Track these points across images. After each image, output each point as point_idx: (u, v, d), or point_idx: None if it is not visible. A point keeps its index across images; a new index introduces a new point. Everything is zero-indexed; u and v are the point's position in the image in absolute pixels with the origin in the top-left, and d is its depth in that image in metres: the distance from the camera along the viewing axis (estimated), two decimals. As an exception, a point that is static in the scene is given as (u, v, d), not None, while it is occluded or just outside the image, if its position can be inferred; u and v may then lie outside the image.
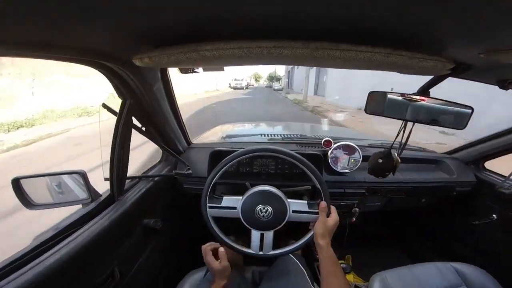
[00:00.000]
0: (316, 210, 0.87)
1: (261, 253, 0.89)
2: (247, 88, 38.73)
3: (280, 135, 1.64)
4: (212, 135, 1.92)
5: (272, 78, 65.09)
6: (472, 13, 0.34)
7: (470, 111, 0.76)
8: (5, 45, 0.44)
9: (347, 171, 1.26)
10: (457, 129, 0.78)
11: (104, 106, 0.85)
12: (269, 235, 0.88)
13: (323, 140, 1.28)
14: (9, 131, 6.85)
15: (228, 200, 0.91)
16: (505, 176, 1.27)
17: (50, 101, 8.78)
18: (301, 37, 0.45)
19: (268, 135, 1.67)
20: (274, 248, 0.90)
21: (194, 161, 1.30)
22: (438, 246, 1.69)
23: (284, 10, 0.37)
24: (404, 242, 1.94)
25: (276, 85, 41.40)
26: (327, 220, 0.82)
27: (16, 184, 0.80)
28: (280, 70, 67.10)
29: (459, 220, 1.53)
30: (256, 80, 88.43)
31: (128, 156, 0.92)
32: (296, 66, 34.10)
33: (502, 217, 1.27)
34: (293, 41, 0.45)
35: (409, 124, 0.84)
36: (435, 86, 0.77)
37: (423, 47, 0.47)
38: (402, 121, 0.84)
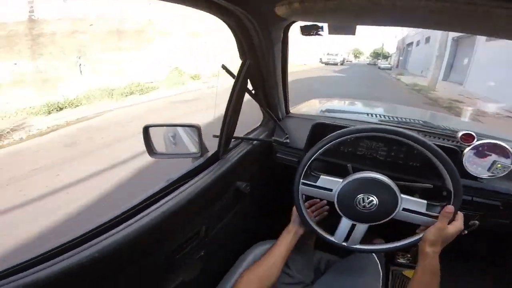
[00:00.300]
0: (435, 214, 0.72)
1: (344, 244, 0.81)
2: (342, 64, 33.00)
3: (395, 117, 1.40)
4: (309, 107, 1.82)
5: (378, 54, 56.63)
6: None
7: None
8: None
9: (485, 176, 0.98)
10: None
11: (224, 67, 0.86)
12: (362, 228, 0.79)
13: (460, 133, 1.00)
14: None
15: (325, 180, 0.82)
16: None
17: (101, 80, 8.90)
18: None
19: (377, 116, 1.45)
20: (361, 242, 0.81)
21: (292, 130, 1.25)
22: None
23: None
24: (503, 265, 1.51)
25: (383, 63, 34.21)
26: (446, 227, 0.69)
27: (146, 131, 0.90)
28: (388, 47, 58.35)
29: None
30: (356, 56, 78.06)
31: (238, 118, 0.93)
32: (415, 43, 28.68)
33: None
34: None
35: None
36: None
37: None
38: None
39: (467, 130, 0.99)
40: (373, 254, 0.93)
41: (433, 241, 0.69)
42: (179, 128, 1.05)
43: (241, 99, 0.88)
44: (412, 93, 10.58)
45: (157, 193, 0.73)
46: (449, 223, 0.70)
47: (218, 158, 0.94)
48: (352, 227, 0.80)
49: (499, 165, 0.95)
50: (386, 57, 54.03)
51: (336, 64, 31.02)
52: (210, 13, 0.66)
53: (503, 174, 0.96)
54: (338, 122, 1.11)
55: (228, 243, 1.13)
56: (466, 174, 1.00)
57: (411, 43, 31.27)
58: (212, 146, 0.97)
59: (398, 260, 1.35)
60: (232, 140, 1.06)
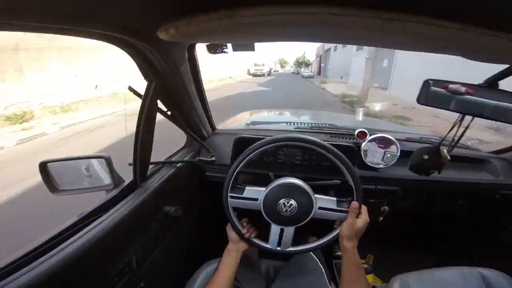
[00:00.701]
0: (346, 209, 0.80)
1: (278, 249, 0.86)
2: (269, 75, 34.08)
3: (309, 124, 1.55)
4: (237, 122, 1.87)
5: (300, 63, 58.42)
6: None
7: None
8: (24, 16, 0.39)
9: (381, 166, 1.16)
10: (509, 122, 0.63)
11: (130, 89, 0.82)
12: (289, 230, 0.84)
13: (356, 131, 1.17)
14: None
15: (250, 191, 0.86)
16: None
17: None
18: (369, 4, 0.36)
19: (295, 124, 1.58)
20: (293, 244, 0.86)
21: (218, 148, 1.26)
22: (467, 250, 1.58)
23: None
24: (431, 245, 1.82)
25: (306, 72, 36.10)
26: (356, 222, 0.77)
27: (43, 168, 0.80)
28: (309, 54, 60.54)
29: (496, 225, 1.41)
30: (282, 66, 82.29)
31: (152, 141, 0.89)
32: (332, 48, 30.40)
33: None
34: (358, 9, 0.35)
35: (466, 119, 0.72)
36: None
37: None
38: (459, 115, 0.73)
39: (361, 128, 1.17)
40: (310, 253, 0.99)
41: (348, 236, 0.76)
42: (86, 161, 0.94)
43: (152, 122, 0.85)
44: (345, 107, 9.55)
45: (69, 229, 0.66)
46: (357, 217, 0.78)
47: (136, 186, 0.89)
48: (281, 231, 0.84)
49: (389, 155, 1.14)
50: (307, 65, 56.75)
51: (263, 74, 31.48)
52: (103, 40, 0.63)
53: (393, 162, 1.15)
54: (259, 134, 1.17)
55: (171, 269, 1.08)
56: (366, 166, 1.17)
57: (329, 49, 33.14)
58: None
59: (337, 253, 1.48)
60: (152, 166, 1.02)
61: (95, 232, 0.66)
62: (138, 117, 0.81)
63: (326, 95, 12.91)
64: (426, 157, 0.87)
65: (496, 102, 0.66)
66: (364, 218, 0.78)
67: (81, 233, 0.64)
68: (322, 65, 38.68)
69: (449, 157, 0.84)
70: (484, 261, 1.35)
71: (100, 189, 0.88)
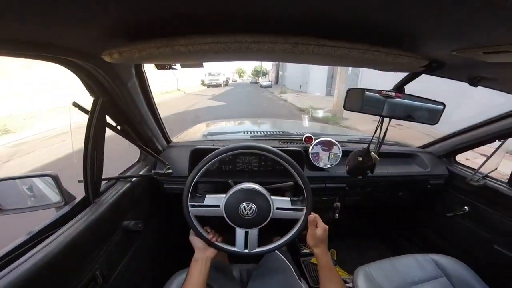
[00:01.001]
0: (299, 207, 0.88)
1: (246, 251, 0.90)
2: (226, 85, 30.90)
3: (263, 132, 1.64)
4: (193, 133, 1.88)
5: (258, 72, 57.39)
6: (446, 12, 0.35)
7: (442, 107, 0.79)
8: None
9: (327, 166, 1.28)
10: (430, 124, 0.81)
11: (75, 104, 0.81)
12: (253, 232, 0.88)
13: (304, 137, 1.29)
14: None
15: (211, 199, 0.89)
16: (474, 169, 1.35)
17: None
18: (280, 32, 0.44)
19: (250, 132, 1.66)
20: (259, 245, 0.90)
21: (174, 160, 1.26)
22: (417, 238, 1.77)
23: (263, 4, 0.36)
24: (385, 235, 2.01)
25: (264, 81, 33.26)
26: (315, 231, 0.85)
27: None
28: (266, 63, 61.31)
29: (435, 213, 1.60)
30: (240, 76, 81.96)
31: (103, 156, 0.88)
32: None
33: (473, 209, 1.34)
34: (273, 36, 0.43)
35: (386, 121, 0.86)
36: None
37: (399, 45, 0.48)
38: (379, 118, 0.86)
39: (307, 133, 1.29)
40: (277, 252, 1.03)
41: (314, 244, 0.85)
42: (31, 179, 0.88)
43: (101, 137, 0.84)
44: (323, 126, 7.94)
45: (16, 249, 0.62)
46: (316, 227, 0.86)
47: (89, 203, 0.87)
48: (246, 234, 0.88)
49: (332, 155, 1.27)
50: (265, 74, 56.01)
51: (219, 85, 27.91)
52: (48, 61, 0.63)
53: (337, 162, 1.28)
54: (216, 145, 1.21)
55: (140, 282, 1.06)
56: (315, 168, 1.29)
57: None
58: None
59: (303, 251, 1.57)
60: (105, 182, 0.99)
61: (50, 249, 0.63)
62: (86, 133, 0.80)
63: (291, 109, 11.43)
64: (360, 159, 0.99)
65: (405, 104, 0.81)
66: (321, 224, 0.87)
67: (31, 252, 0.61)
68: (280, 73, 37.55)
69: (377, 156, 0.98)
70: (432, 248, 1.55)
71: (49, 206, 0.85)
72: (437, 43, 0.50)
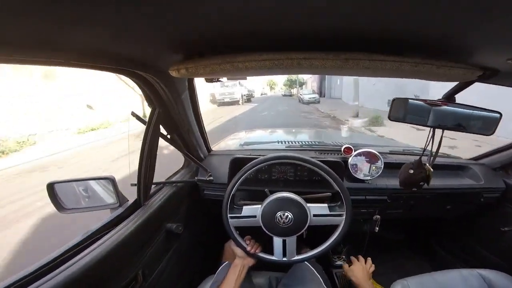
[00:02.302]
0: (338, 212, 0.88)
1: (285, 259, 0.91)
2: (249, 100, 23.18)
3: (299, 142, 1.65)
4: (231, 142, 1.96)
5: (293, 82, 46.50)
6: (497, 21, 0.35)
7: (499, 116, 0.74)
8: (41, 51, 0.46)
9: (368, 178, 1.25)
10: (485, 135, 0.76)
11: (134, 114, 0.90)
12: (291, 240, 0.89)
13: (343, 147, 1.28)
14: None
15: (248, 209, 0.93)
16: None
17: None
18: (331, 48, 0.47)
19: (286, 142, 1.68)
20: (297, 253, 0.91)
21: (215, 168, 1.33)
22: (463, 253, 1.63)
23: (314, 24, 0.39)
24: (428, 250, 1.87)
25: (306, 93, 21.10)
26: (352, 270, 0.99)
27: (51, 188, 0.85)
28: None
29: (486, 227, 1.47)
30: (271, 88, 76.63)
31: (155, 163, 0.96)
32: None
33: None
34: (324, 53, 0.47)
35: (439, 132, 0.82)
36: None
37: (450, 56, 0.48)
38: (430, 129, 0.83)
39: (346, 144, 1.28)
40: (307, 263, 1.03)
41: (356, 282, 0.96)
42: (91, 182, 1.00)
43: (155, 145, 0.92)
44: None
45: (75, 247, 0.70)
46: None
47: (140, 205, 0.94)
48: (284, 242, 0.90)
49: (374, 167, 1.23)
50: (301, 84, 44.50)
51: (235, 102, 18.53)
52: (119, 73, 0.72)
53: (379, 174, 1.24)
54: (252, 154, 1.25)
55: (175, 282, 1.11)
56: (354, 179, 1.26)
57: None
58: (135, 194, 0.96)
59: (336, 263, 1.52)
60: (154, 186, 1.07)
61: (103, 248, 0.69)
62: (143, 141, 0.88)
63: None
64: (411, 171, 0.95)
65: (456, 113, 0.77)
66: (361, 263, 0.96)
67: (88, 250, 0.68)
68: (325, 82, 27.33)
69: (431, 168, 0.93)
70: (480, 263, 1.41)
71: (105, 207, 0.93)
72: (491, 52, 0.49)
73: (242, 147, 1.71)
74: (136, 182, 0.94)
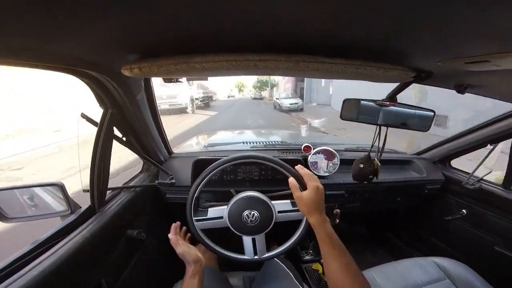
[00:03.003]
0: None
1: (256, 257, 0.92)
2: (206, 105, 17.37)
3: (262, 142, 1.68)
4: (194, 144, 1.92)
5: (264, 84, 43.45)
6: (429, 28, 0.40)
7: (433, 114, 0.84)
8: None
9: (327, 174, 1.32)
10: (422, 131, 0.86)
11: (83, 116, 0.84)
12: (260, 238, 0.91)
13: (303, 146, 1.33)
14: None
15: (214, 211, 0.92)
16: (469, 173, 1.39)
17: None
18: (283, 51, 0.50)
19: (250, 143, 1.70)
20: (267, 250, 0.93)
21: (177, 170, 1.29)
22: (416, 242, 1.79)
23: (270, 28, 0.41)
24: (385, 241, 2.03)
25: (285, 98, 16.21)
26: (302, 194, 0.71)
27: None
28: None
29: (433, 217, 1.63)
30: (240, 90, 71.99)
31: (109, 167, 0.90)
32: None
33: (471, 212, 1.37)
34: (277, 55, 0.49)
35: (383, 129, 0.90)
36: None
37: (389, 59, 0.53)
38: (376, 127, 0.91)
39: (306, 143, 1.34)
40: (277, 260, 1.04)
41: (306, 211, 0.70)
42: (37, 189, 0.90)
43: (108, 148, 0.87)
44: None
45: (21, 258, 0.63)
46: (304, 189, 0.72)
47: (94, 211, 0.89)
48: (253, 241, 0.90)
49: (331, 164, 1.31)
50: (273, 85, 39.58)
51: (181, 110, 12.44)
52: (66, 73, 0.66)
53: (336, 170, 1.32)
54: (217, 156, 1.24)
55: None
56: None
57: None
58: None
59: (305, 258, 1.58)
60: (110, 191, 1.02)
61: (57, 257, 0.65)
62: (94, 144, 0.83)
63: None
64: (361, 165, 1.03)
65: (398, 112, 0.86)
66: (311, 185, 0.71)
67: (37, 260, 0.62)
68: (299, 83, 23.27)
69: (379, 162, 1.02)
70: (432, 251, 1.55)
71: (55, 215, 0.86)
72: (422, 56, 0.56)
73: (206, 149, 1.68)
74: (88, 188, 0.87)
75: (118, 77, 0.75)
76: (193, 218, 0.89)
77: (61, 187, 0.84)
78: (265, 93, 43.16)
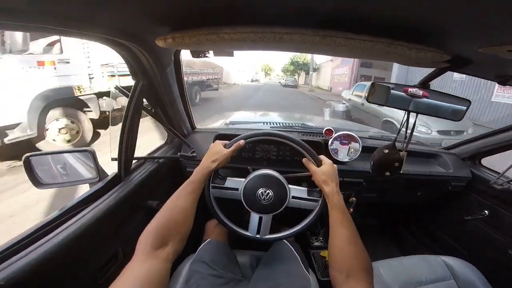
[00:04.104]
0: (315, 198, 0.90)
1: (258, 236, 0.92)
2: (216, 89, 11.91)
3: (283, 123, 1.68)
4: (216, 122, 1.96)
5: (300, 66, 32.81)
6: (469, 10, 0.37)
7: (468, 103, 0.79)
8: (29, 16, 0.45)
9: (346, 160, 1.30)
10: (454, 120, 0.82)
11: (117, 88, 0.88)
12: (267, 219, 0.91)
13: (324, 129, 1.32)
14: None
15: (231, 181, 0.94)
16: (499, 173, 1.31)
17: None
18: (310, 25, 0.49)
19: (270, 123, 1.70)
20: (270, 232, 0.93)
21: (199, 144, 1.33)
22: (429, 239, 1.74)
23: (296, 2, 0.41)
24: (397, 235, 2.00)
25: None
26: (317, 170, 0.83)
27: (27, 162, 0.79)
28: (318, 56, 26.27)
29: (451, 215, 1.57)
30: (267, 74, 65.49)
31: (136, 137, 0.94)
32: None
33: (493, 213, 1.31)
34: (304, 29, 0.48)
35: (412, 117, 0.87)
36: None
37: (422, 39, 0.51)
38: (404, 113, 0.87)
39: (328, 127, 1.31)
40: (286, 242, 1.05)
41: (323, 180, 0.80)
42: (69, 156, 0.96)
43: (137, 119, 0.91)
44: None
45: (50, 223, 0.67)
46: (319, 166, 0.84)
47: (120, 180, 0.93)
48: (260, 220, 0.91)
49: (352, 150, 1.28)
50: (315, 69, 28.69)
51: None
52: (102, 43, 0.70)
53: (357, 156, 1.30)
54: (237, 132, 1.27)
55: None
56: (334, 161, 1.30)
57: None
58: (115, 170, 0.93)
59: (314, 244, 1.60)
60: (135, 161, 1.06)
61: (80, 224, 0.68)
62: (125, 115, 0.86)
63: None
64: (386, 151, 1.00)
65: (430, 99, 0.82)
66: (326, 161, 0.84)
67: (64, 225, 0.66)
68: (363, 72, 16.67)
69: (405, 151, 0.98)
70: (443, 249, 1.51)
71: (84, 182, 0.90)
72: (461, 40, 0.52)
73: (227, 126, 1.72)
74: (116, 157, 0.91)
75: (151, 48, 0.77)
76: (210, 184, 0.90)
77: (92, 154, 0.87)
78: (300, 79, 34.50)
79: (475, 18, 0.41)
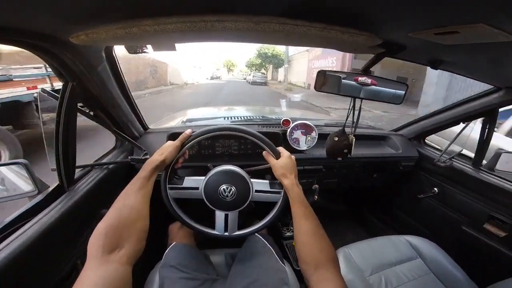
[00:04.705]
0: (277, 190, 0.89)
1: (226, 234, 0.90)
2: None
3: (242, 117, 1.65)
4: (172, 121, 1.86)
5: (272, 57, 28.03)
6: None
7: (406, 87, 0.84)
8: None
9: (305, 148, 1.32)
10: (395, 103, 0.86)
11: (43, 91, 0.79)
12: (233, 215, 0.89)
13: (281, 120, 1.32)
14: None
15: (189, 181, 0.89)
16: (441, 150, 1.43)
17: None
18: (243, 12, 0.46)
19: (230, 118, 1.67)
20: (239, 228, 0.91)
21: (152, 145, 1.25)
22: (391, 220, 1.85)
23: None
24: (361, 218, 2.11)
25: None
26: (276, 162, 0.83)
27: None
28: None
29: (408, 195, 1.67)
30: (229, 70, 61.69)
31: (75, 143, 0.86)
32: None
33: (441, 190, 1.41)
34: (237, 15, 0.45)
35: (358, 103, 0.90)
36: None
37: (356, 24, 0.51)
38: (350, 99, 0.90)
39: (285, 117, 1.32)
40: (259, 236, 1.03)
41: (281, 174, 0.80)
42: (4, 169, 0.86)
43: (72, 123, 0.82)
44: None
45: None
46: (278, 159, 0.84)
47: (64, 190, 0.85)
48: (226, 217, 0.88)
49: (309, 138, 1.31)
50: (280, 65, 27.63)
51: None
52: (15, 46, 0.61)
53: (314, 144, 1.33)
54: (194, 130, 1.21)
55: None
56: (294, 150, 1.32)
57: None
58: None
59: (286, 234, 1.62)
60: (80, 169, 0.98)
61: (25, 238, 0.62)
62: (56, 120, 0.78)
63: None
64: (336, 138, 1.04)
65: (380, 88, 0.86)
66: (284, 153, 0.85)
67: (5, 242, 0.60)
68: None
69: (353, 136, 1.02)
70: (406, 229, 1.60)
71: (22, 196, 0.82)
72: (391, 24, 0.54)
73: (184, 124, 1.64)
74: (55, 167, 0.83)
75: (71, 47, 0.69)
76: (167, 186, 0.86)
77: (26, 166, 0.79)
78: (267, 74, 30.31)
79: (401, 2, 0.41)
